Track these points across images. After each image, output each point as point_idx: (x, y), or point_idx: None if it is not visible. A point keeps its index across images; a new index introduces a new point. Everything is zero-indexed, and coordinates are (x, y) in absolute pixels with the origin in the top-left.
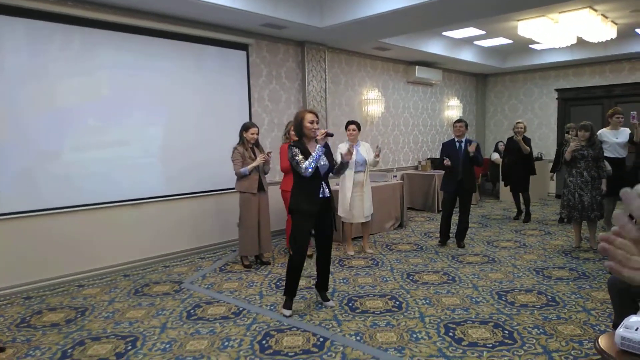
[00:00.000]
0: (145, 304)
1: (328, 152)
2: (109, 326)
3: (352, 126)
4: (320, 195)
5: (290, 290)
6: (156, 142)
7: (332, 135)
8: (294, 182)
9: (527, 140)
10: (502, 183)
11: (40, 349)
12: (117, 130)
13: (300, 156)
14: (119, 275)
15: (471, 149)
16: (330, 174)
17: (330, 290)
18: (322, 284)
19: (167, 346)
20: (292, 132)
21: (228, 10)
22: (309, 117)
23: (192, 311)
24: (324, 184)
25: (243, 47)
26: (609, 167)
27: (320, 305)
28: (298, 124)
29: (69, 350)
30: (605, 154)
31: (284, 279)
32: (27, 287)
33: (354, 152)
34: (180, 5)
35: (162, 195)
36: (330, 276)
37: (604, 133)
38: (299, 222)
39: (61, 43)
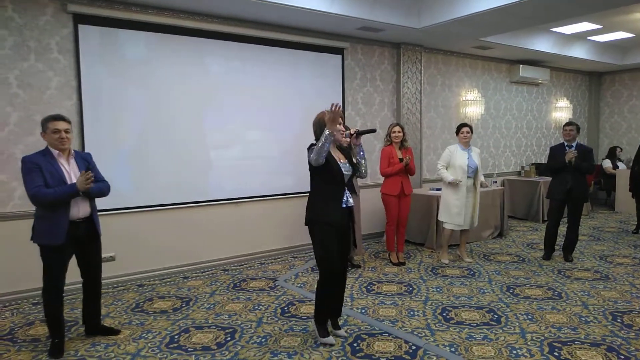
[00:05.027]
0: (242, 298)
1: (349, 154)
2: (210, 317)
3: (466, 128)
4: (344, 205)
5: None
6: (255, 145)
7: (374, 131)
8: (313, 189)
9: None
10: (616, 192)
11: (152, 332)
12: (219, 134)
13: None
14: (219, 269)
15: (567, 157)
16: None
17: (422, 298)
18: (335, 311)
19: (263, 340)
20: (394, 135)
21: (325, 15)
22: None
23: (286, 308)
24: (347, 191)
25: (338, 51)
26: None
27: (412, 313)
28: (321, 126)
29: (176, 336)
30: None
31: (375, 282)
32: (140, 275)
33: (466, 157)
34: (279, 13)
35: (261, 195)
36: (423, 283)
37: None
38: (325, 235)
39: (172, 52)
